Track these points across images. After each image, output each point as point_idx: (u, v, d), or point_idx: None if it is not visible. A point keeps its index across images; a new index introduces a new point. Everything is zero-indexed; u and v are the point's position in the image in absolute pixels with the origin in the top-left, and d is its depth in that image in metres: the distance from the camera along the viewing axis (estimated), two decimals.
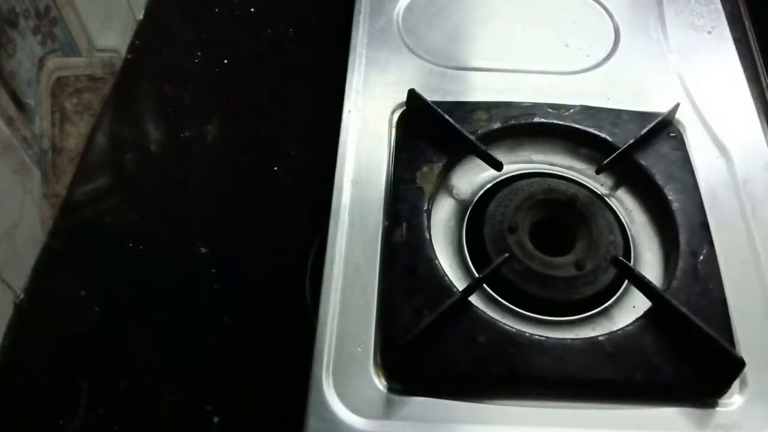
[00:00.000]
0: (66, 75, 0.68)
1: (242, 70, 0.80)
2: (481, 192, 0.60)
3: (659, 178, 0.59)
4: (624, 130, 0.62)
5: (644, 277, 0.53)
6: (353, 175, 0.59)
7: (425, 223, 0.55)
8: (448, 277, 0.53)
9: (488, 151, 0.59)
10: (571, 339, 0.51)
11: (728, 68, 0.69)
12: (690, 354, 0.50)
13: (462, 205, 0.59)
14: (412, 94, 0.62)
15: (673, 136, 0.62)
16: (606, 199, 0.60)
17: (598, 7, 0.74)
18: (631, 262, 0.56)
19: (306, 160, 0.72)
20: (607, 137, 0.61)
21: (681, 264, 0.54)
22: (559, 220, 0.58)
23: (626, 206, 0.60)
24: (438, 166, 0.59)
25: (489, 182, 0.61)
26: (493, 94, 0.64)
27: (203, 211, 0.69)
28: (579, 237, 0.56)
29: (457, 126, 0.60)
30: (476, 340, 0.50)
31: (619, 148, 0.60)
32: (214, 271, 0.65)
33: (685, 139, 0.62)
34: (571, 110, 0.63)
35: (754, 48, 0.71)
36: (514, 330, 0.50)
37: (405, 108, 0.63)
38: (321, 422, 0.47)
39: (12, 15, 0.59)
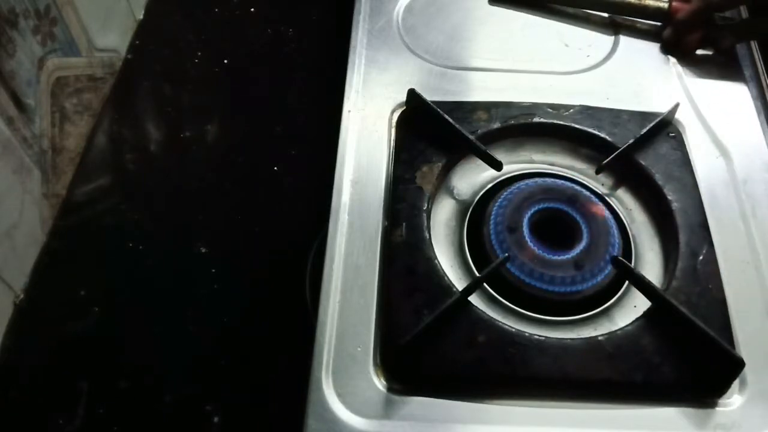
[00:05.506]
0: (66, 75, 0.68)
1: (242, 70, 0.80)
2: (482, 192, 0.60)
3: (659, 178, 0.59)
4: (624, 130, 0.62)
5: (644, 277, 0.53)
6: (353, 175, 0.59)
7: (425, 223, 0.55)
8: (447, 277, 0.53)
9: (488, 151, 0.59)
10: (570, 339, 0.51)
11: (728, 68, 0.69)
12: (690, 354, 0.50)
13: (463, 206, 0.59)
14: (412, 94, 0.62)
15: (673, 136, 0.62)
16: (606, 198, 0.60)
17: None
18: (632, 262, 0.56)
19: (306, 160, 0.72)
20: (607, 137, 0.61)
21: (681, 264, 0.54)
22: (559, 220, 0.58)
23: (626, 206, 0.60)
24: (438, 166, 0.59)
25: (489, 182, 0.61)
26: (493, 94, 0.65)
27: (203, 211, 0.69)
28: (579, 237, 0.56)
29: (457, 126, 0.60)
30: (476, 340, 0.50)
31: (619, 148, 0.60)
32: (214, 271, 0.65)
33: (685, 139, 0.62)
34: (571, 110, 0.63)
35: (754, 48, 0.71)
36: (513, 330, 0.50)
37: (405, 108, 0.63)
38: (321, 422, 0.47)
39: (12, 15, 0.59)
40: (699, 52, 0.69)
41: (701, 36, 0.68)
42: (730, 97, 0.66)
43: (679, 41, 0.68)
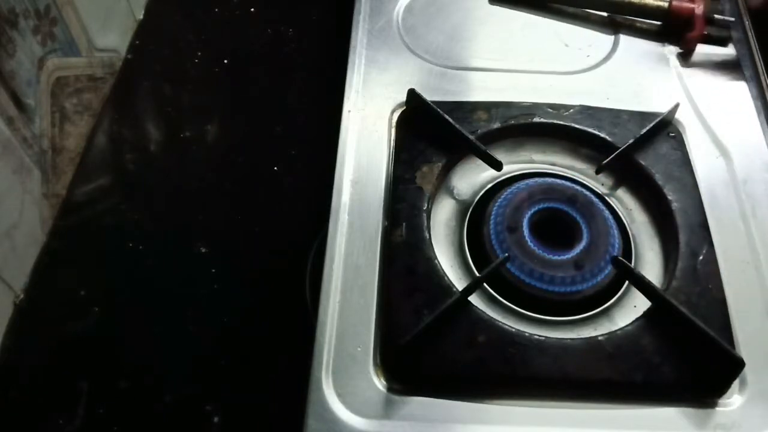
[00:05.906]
0: (66, 75, 0.68)
1: (242, 70, 0.80)
2: (482, 192, 0.60)
3: (659, 178, 0.59)
4: (624, 130, 0.62)
5: (644, 277, 0.53)
6: (353, 175, 0.59)
7: (425, 223, 0.55)
8: (447, 277, 0.53)
9: (488, 151, 0.59)
10: (570, 339, 0.51)
11: (728, 68, 0.69)
12: (690, 354, 0.50)
13: (463, 206, 0.59)
14: (412, 94, 0.62)
15: (673, 136, 0.62)
16: (606, 198, 0.60)
17: None
18: (632, 262, 0.56)
19: (306, 160, 0.72)
20: (607, 137, 0.61)
21: (681, 264, 0.54)
22: (559, 220, 0.58)
23: (626, 206, 0.60)
24: (438, 166, 0.59)
25: (489, 182, 0.61)
26: (493, 94, 0.65)
27: (203, 211, 0.69)
28: (579, 237, 0.56)
29: (457, 126, 0.60)
30: (476, 340, 0.50)
31: (619, 148, 0.60)
32: (214, 271, 0.65)
33: (685, 139, 0.62)
34: (571, 110, 0.63)
35: (754, 48, 0.71)
36: (513, 330, 0.50)
37: (405, 108, 0.63)
38: (321, 422, 0.47)
39: (12, 15, 0.59)
40: (699, 52, 0.69)
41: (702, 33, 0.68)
42: (730, 97, 0.66)
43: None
